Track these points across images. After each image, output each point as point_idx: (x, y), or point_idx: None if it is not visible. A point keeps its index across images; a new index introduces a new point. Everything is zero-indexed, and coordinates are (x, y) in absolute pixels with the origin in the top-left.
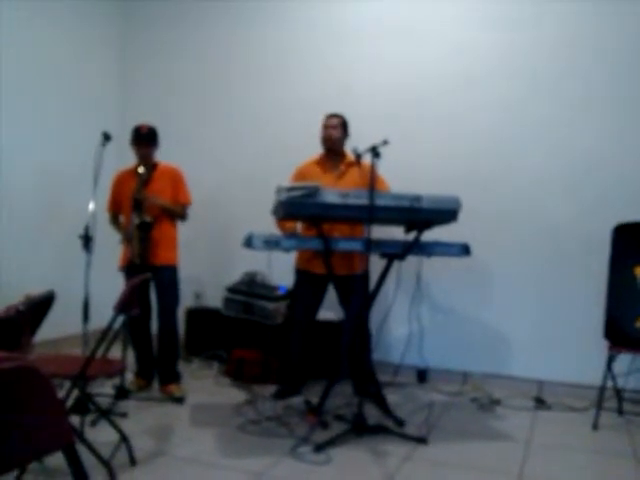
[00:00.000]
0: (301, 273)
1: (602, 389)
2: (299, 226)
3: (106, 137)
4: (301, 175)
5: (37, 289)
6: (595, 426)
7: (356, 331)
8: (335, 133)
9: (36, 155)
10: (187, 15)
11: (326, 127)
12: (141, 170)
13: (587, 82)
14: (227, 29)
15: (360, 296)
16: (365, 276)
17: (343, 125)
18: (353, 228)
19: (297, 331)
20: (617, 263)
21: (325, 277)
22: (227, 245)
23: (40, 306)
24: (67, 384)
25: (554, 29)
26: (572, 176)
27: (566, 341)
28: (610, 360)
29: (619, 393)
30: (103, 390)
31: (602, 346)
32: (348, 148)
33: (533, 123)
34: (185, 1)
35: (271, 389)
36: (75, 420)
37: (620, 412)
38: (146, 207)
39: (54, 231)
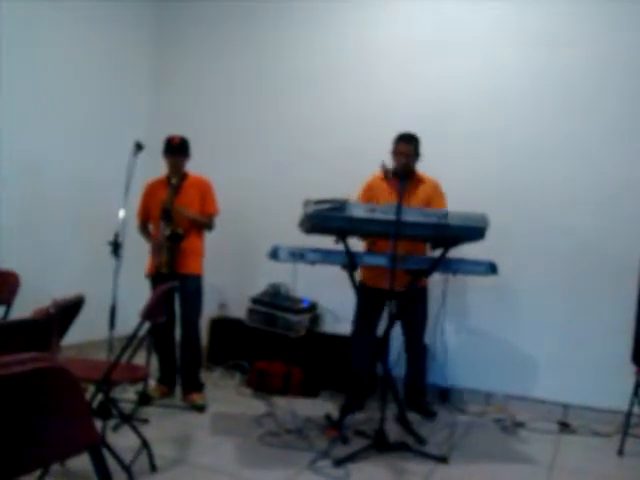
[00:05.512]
0: (363, 288)
1: (629, 415)
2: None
3: (138, 146)
4: (369, 189)
5: (65, 293)
6: (621, 452)
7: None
8: (404, 161)
9: (69, 162)
10: (219, 26)
11: (397, 154)
12: (174, 181)
13: (620, 100)
14: (260, 42)
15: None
16: (422, 290)
17: (415, 149)
18: (414, 245)
19: (359, 346)
20: None
21: (385, 292)
22: (252, 256)
23: (69, 309)
24: (91, 388)
25: (587, 46)
26: (603, 196)
27: (593, 364)
28: (638, 385)
29: None
30: (126, 396)
31: (630, 370)
32: (385, 160)
33: (565, 141)
34: (218, 10)
35: (292, 401)
36: (97, 424)
37: None
38: (176, 218)
39: (84, 237)
